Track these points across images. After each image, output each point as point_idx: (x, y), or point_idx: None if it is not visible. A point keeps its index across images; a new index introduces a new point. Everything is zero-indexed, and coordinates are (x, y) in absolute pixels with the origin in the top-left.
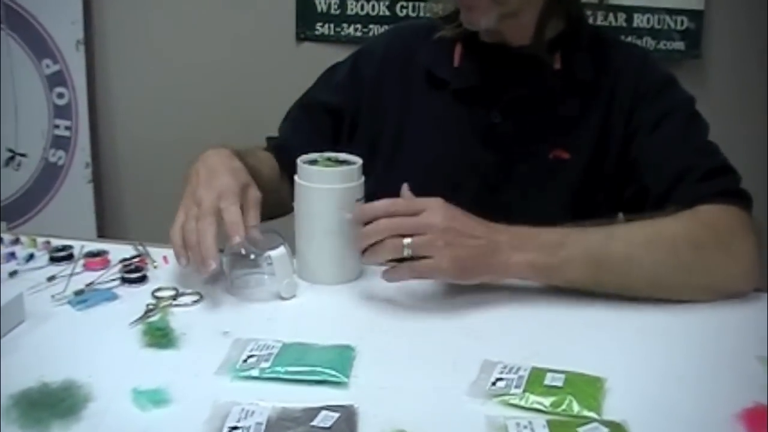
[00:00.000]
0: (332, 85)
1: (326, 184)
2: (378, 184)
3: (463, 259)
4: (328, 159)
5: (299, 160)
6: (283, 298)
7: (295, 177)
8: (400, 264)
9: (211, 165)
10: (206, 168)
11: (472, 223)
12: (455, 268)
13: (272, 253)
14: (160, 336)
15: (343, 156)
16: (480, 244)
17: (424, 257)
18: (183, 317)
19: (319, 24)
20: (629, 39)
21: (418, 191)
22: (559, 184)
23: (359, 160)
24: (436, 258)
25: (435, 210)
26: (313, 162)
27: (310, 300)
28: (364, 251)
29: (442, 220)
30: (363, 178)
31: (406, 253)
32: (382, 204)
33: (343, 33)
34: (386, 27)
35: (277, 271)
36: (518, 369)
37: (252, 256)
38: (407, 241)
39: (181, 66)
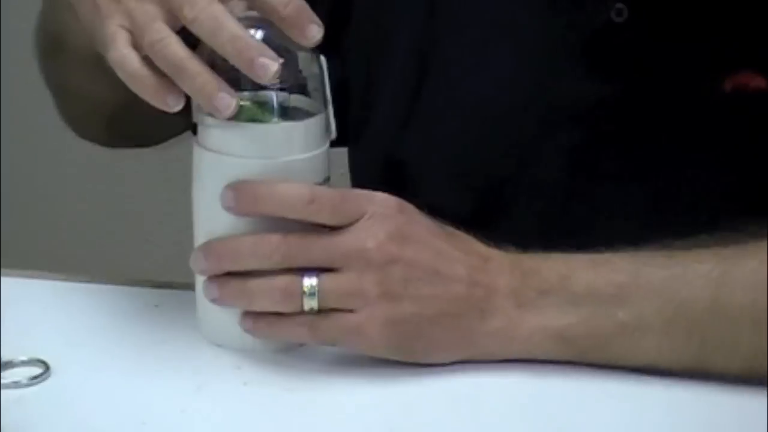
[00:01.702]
0: None
1: (248, 153)
2: (378, 145)
3: (410, 324)
4: (257, 103)
5: (194, 107)
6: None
7: (193, 140)
8: (291, 315)
9: None
10: None
11: (443, 245)
12: (390, 343)
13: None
14: None
15: (295, 99)
16: (455, 295)
17: (338, 309)
18: (11, 409)
19: None
20: None
21: (452, 163)
22: (745, 137)
23: (321, 109)
24: (360, 316)
25: (376, 219)
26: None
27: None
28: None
29: (381, 242)
30: (327, 144)
31: (308, 306)
32: (293, 192)
33: None
34: None
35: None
36: None
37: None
38: (311, 283)
39: None
